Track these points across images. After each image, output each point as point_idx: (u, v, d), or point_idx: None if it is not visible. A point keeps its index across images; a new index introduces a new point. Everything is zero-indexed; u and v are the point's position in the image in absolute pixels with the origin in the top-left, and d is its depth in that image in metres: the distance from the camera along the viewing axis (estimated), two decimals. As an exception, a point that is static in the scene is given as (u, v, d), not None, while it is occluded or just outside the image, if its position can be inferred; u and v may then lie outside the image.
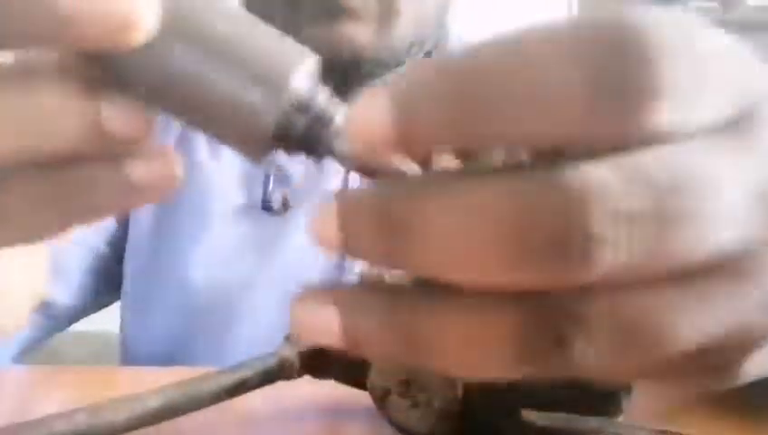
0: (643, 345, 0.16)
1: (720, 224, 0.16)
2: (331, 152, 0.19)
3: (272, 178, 0.59)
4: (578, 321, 0.15)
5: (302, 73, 0.19)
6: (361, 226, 0.16)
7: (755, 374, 0.22)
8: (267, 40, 0.19)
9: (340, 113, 0.19)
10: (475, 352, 0.16)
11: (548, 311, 0.15)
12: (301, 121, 0.19)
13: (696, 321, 0.17)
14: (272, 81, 0.18)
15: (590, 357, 0.16)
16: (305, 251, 0.61)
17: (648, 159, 0.15)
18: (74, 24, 0.17)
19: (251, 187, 0.60)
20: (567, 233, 0.14)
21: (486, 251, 0.15)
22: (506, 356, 0.16)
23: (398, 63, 0.61)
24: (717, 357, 0.19)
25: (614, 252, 0.14)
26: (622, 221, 0.14)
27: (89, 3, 0.17)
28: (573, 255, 0.14)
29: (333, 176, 0.59)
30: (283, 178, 0.59)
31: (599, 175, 0.14)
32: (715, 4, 2.77)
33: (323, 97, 0.19)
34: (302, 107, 0.19)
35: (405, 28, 0.59)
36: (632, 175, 0.15)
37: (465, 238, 0.15)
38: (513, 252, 0.14)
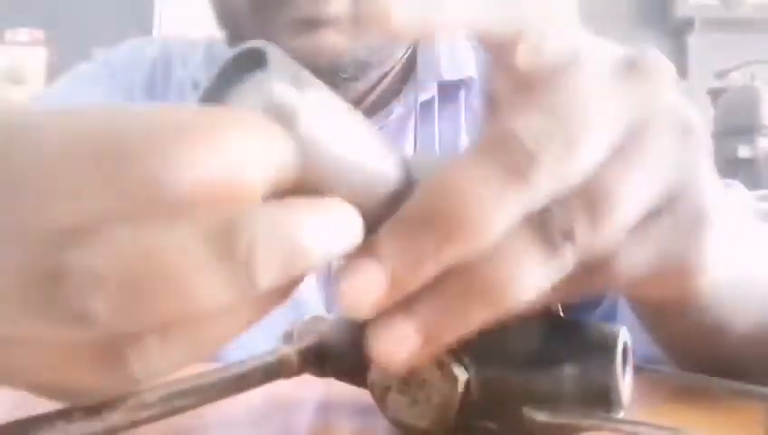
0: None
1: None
2: None
3: None
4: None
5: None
6: None
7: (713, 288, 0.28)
8: None
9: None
10: None
11: None
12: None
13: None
14: None
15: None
16: None
17: None
18: (182, 196, 0.16)
19: None
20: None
21: None
22: None
23: (380, 61, 0.61)
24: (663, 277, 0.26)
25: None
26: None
27: (196, 174, 0.16)
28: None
29: None
30: None
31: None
32: (715, 3, 2.77)
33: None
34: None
35: None
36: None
37: None
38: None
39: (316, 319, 0.35)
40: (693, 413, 0.36)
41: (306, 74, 0.20)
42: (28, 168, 0.16)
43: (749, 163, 2.01)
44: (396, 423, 0.29)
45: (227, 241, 0.16)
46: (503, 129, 0.21)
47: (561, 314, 0.29)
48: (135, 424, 0.25)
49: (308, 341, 0.34)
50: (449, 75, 0.67)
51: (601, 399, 0.27)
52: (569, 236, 0.21)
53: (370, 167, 0.21)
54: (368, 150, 0.21)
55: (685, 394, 0.37)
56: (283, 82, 0.18)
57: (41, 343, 0.18)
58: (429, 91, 0.66)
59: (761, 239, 0.39)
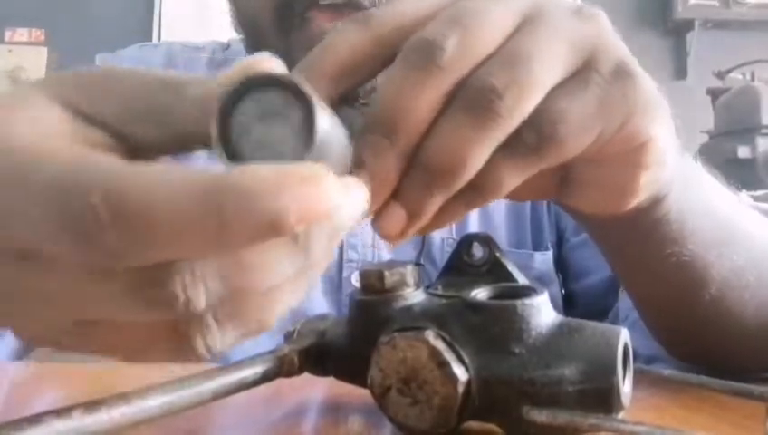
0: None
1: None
2: None
3: None
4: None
5: None
6: None
7: (650, 192, 0.32)
8: None
9: None
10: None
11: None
12: None
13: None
14: None
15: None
16: None
17: None
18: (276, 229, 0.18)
19: None
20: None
21: None
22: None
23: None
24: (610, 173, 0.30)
25: None
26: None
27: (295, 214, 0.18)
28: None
29: None
30: None
31: None
32: (715, 3, 2.77)
33: None
34: None
35: None
36: None
37: None
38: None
39: (316, 319, 0.35)
40: (693, 413, 0.36)
41: (314, 95, 0.21)
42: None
43: (749, 163, 2.01)
44: (396, 423, 0.29)
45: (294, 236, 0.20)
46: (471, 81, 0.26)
47: (564, 315, 0.29)
48: (135, 423, 0.25)
49: (308, 341, 0.33)
50: None
51: (602, 399, 0.27)
52: (494, 92, 0.25)
53: (348, 157, 0.25)
54: (347, 147, 0.25)
55: (685, 394, 0.37)
56: (299, 106, 0.20)
57: (130, 325, 0.22)
58: None
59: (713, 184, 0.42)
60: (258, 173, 0.18)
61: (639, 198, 0.31)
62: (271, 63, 0.23)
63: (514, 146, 0.26)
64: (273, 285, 0.21)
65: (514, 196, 0.31)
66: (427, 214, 0.27)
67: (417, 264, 0.60)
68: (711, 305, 0.40)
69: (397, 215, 0.27)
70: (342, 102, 0.27)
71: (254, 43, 0.60)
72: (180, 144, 0.24)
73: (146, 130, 0.23)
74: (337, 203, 0.19)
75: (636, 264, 0.40)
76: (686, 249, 0.37)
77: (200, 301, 0.20)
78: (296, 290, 0.23)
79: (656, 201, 0.34)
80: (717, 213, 0.40)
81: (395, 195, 0.27)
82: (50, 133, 0.22)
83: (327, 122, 0.21)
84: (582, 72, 0.27)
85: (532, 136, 0.26)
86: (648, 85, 0.29)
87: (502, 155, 0.26)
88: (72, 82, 0.24)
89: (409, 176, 0.26)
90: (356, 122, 0.26)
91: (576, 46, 0.27)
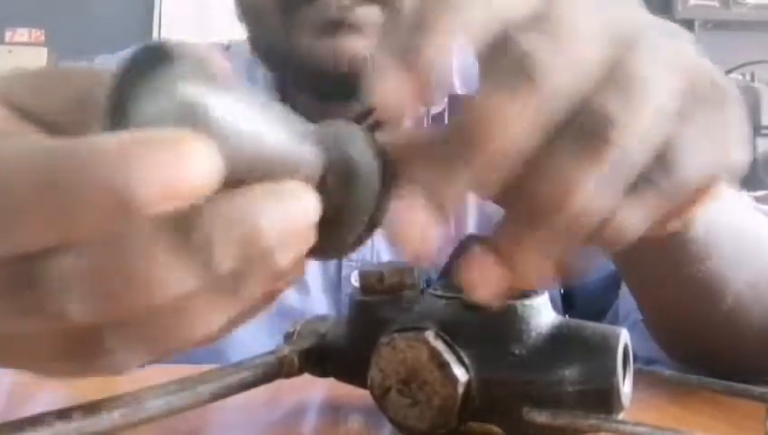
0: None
1: None
2: None
3: None
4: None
5: None
6: None
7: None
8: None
9: None
10: None
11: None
12: None
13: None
14: None
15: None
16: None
17: None
18: (137, 207, 0.16)
19: None
20: None
21: None
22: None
23: None
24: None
25: None
26: None
27: (150, 186, 0.16)
28: None
29: None
30: None
31: None
32: (715, 3, 2.77)
33: None
34: None
35: None
36: None
37: None
38: None
39: (316, 320, 0.35)
40: (693, 413, 0.35)
41: (216, 71, 0.19)
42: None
43: (749, 163, 2.01)
44: (396, 424, 0.29)
45: (186, 230, 0.18)
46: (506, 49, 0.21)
47: (563, 314, 0.29)
48: (135, 424, 0.25)
49: (308, 341, 0.33)
50: (461, 89, 0.68)
51: (602, 400, 0.27)
52: (609, 122, 0.21)
53: (286, 156, 0.21)
54: (282, 140, 0.21)
55: (685, 395, 0.37)
56: (192, 81, 0.18)
57: (28, 340, 0.20)
58: (440, 105, 0.67)
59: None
60: (103, 140, 0.16)
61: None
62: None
63: (638, 186, 0.23)
64: (171, 300, 0.18)
65: None
66: (528, 266, 0.23)
67: None
68: (726, 317, 0.39)
69: (490, 268, 0.23)
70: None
71: (257, 30, 0.60)
72: None
73: (83, 122, 0.22)
74: (207, 172, 0.17)
75: (653, 280, 0.40)
76: (704, 265, 0.36)
77: (74, 311, 0.18)
78: (218, 310, 0.20)
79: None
80: (736, 226, 0.40)
81: (484, 241, 0.23)
82: None
83: (221, 99, 0.18)
84: (691, 100, 0.24)
85: (666, 179, 0.23)
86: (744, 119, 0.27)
87: (624, 198, 0.22)
88: (18, 80, 0.23)
89: (505, 217, 0.23)
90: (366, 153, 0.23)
91: (682, 73, 0.24)
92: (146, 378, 0.27)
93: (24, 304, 0.18)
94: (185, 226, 0.18)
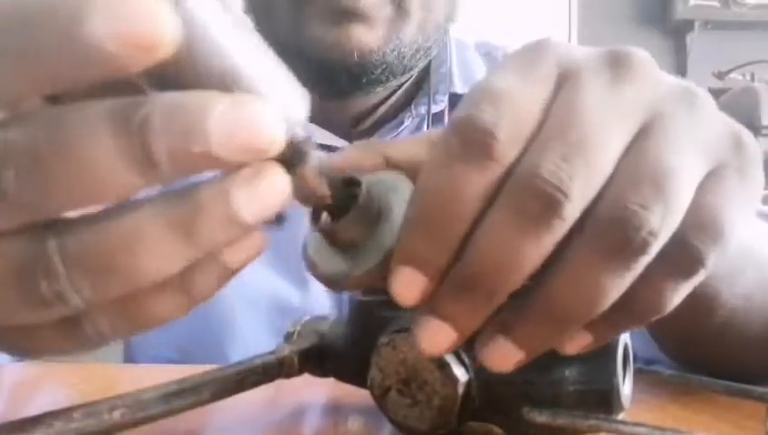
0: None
1: None
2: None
3: None
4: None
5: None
6: None
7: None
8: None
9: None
10: None
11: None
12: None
13: None
14: None
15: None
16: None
17: None
18: (99, 51, 0.16)
19: None
20: None
21: None
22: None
23: (405, 69, 0.61)
24: None
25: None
26: None
27: (109, 27, 0.16)
28: None
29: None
30: None
31: None
32: (715, 3, 2.77)
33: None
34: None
35: (413, 33, 0.59)
36: None
37: None
38: None
39: (316, 319, 0.35)
40: (693, 413, 0.36)
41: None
42: None
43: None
44: (396, 424, 0.29)
45: (125, 115, 0.17)
46: (523, 177, 0.21)
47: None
48: (135, 424, 0.25)
49: (308, 341, 0.33)
50: (461, 88, 0.68)
51: (602, 400, 0.27)
52: (643, 225, 0.21)
53: (250, 67, 0.20)
54: (250, 52, 0.20)
55: (685, 395, 0.37)
56: None
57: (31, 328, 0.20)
58: (441, 104, 0.67)
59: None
60: (182, 95, 0.17)
61: None
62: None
63: (672, 263, 0.22)
64: (160, 276, 0.19)
65: None
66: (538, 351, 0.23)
67: None
68: (720, 328, 0.39)
69: (507, 349, 0.23)
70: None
71: (265, 23, 0.60)
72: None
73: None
74: (277, 136, 0.17)
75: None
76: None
77: (73, 297, 0.18)
78: (192, 288, 0.20)
79: None
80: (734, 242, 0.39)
81: (502, 329, 0.23)
82: None
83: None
84: (722, 176, 0.24)
85: (710, 252, 0.22)
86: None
87: (599, 263, 0.21)
88: None
89: (534, 323, 0.22)
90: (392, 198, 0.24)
91: (705, 150, 0.24)
92: (146, 378, 0.27)
93: (34, 295, 0.19)
94: (127, 112, 0.17)
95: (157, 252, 0.19)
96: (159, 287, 0.20)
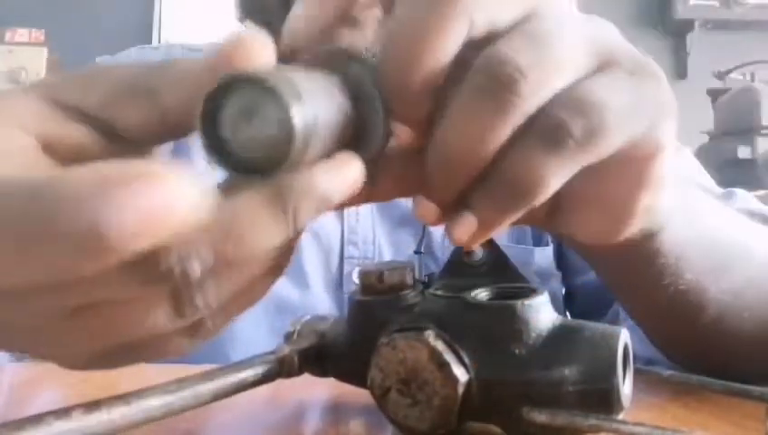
0: None
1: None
2: None
3: None
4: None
5: None
6: None
7: (643, 224, 0.30)
8: None
9: None
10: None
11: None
12: None
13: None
14: None
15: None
16: (305, 255, 0.61)
17: None
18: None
19: None
20: None
21: None
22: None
23: None
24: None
25: None
26: None
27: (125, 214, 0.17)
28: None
29: None
30: None
31: None
32: (715, 3, 2.77)
33: None
34: None
35: None
36: None
37: None
38: None
39: (316, 319, 0.35)
40: (693, 413, 0.36)
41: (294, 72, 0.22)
42: None
43: (749, 163, 2.01)
44: (396, 424, 0.29)
45: (282, 205, 0.21)
46: (490, 58, 0.24)
47: (565, 310, 0.29)
48: (135, 424, 0.25)
49: (308, 340, 0.33)
50: None
51: (602, 400, 0.27)
52: (510, 61, 0.24)
53: (343, 117, 0.24)
54: (338, 107, 0.24)
55: (685, 394, 0.37)
56: (293, 100, 0.21)
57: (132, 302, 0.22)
58: None
59: (702, 200, 0.41)
60: (82, 175, 0.17)
61: (634, 226, 0.29)
62: (254, 46, 0.22)
63: (557, 140, 0.24)
64: (263, 254, 0.22)
65: None
66: (500, 227, 0.26)
67: (417, 252, 0.60)
68: (710, 327, 0.40)
69: (469, 223, 0.26)
70: (348, 58, 0.26)
71: (259, 19, 0.60)
72: (168, 128, 0.24)
73: (129, 113, 0.23)
74: (186, 204, 0.17)
75: (631, 292, 0.40)
76: (683, 279, 0.36)
77: (195, 271, 0.20)
78: (284, 260, 0.24)
79: (649, 236, 0.33)
80: (716, 238, 0.40)
81: (467, 203, 0.26)
82: None
83: (310, 113, 0.21)
84: (609, 70, 0.26)
85: (578, 126, 0.24)
86: (670, 92, 0.27)
87: (543, 151, 0.24)
88: (61, 79, 0.25)
89: (485, 192, 0.25)
90: (366, 79, 0.25)
91: (597, 44, 0.26)
92: (146, 378, 0.27)
93: (147, 273, 0.20)
94: (283, 200, 0.21)
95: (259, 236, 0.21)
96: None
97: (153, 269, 0.20)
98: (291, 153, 0.21)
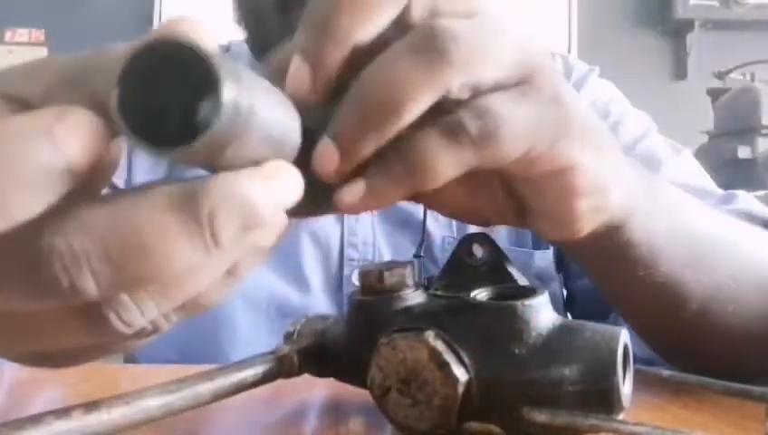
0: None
1: None
2: None
3: None
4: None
5: None
6: None
7: (598, 221, 0.31)
8: None
9: None
10: None
11: None
12: None
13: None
14: None
15: None
16: (305, 257, 0.61)
17: None
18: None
19: None
20: None
21: None
22: None
23: None
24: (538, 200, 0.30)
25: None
26: None
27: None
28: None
29: None
30: None
31: None
32: (715, 3, 2.77)
33: None
34: None
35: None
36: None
37: None
38: None
39: (316, 319, 0.35)
40: (693, 413, 0.36)
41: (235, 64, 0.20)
42: None
43: (749, 163, 2.01)
44: (396, 424, 0.29)
45: (193, 210, 0.19)
46: (427, 28, 0.25)
47: (565, 313, 0.29)
48: (135, 424, 0.25)
49: (308, 341, 0.33)
50: None
51: (602, 400, 0.27)
52: (450, 39, 0.25)
53: (287, 129, 0.23)
54: (283, 116, 0.23)
55: (685, 395, 0.37)
56: (230, 82, 0.19)
57: (39, 314, 0.21)
58: None
59: (680, 196, 0.42)
60: (232, 182, 0.19)
61: (585, 225, 0.31)
62: (186, 26, 0.21)
63: (455, 134, 0.26)
64: (176, 271, 0.20)
65: (480, 221, 0.33)
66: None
67: (417, 256, 0.60)
68: (693, 320, 0.40)
69: (358, 189, 0.26)
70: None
71: (256, 32, 0.60)
72: (106, 115, 0.23)
73: (67, 103, 0.22)
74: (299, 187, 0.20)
75: (611, 284, 0.40)
76: (659, 271, 0.37)
77: (88, 285, 0.19)
78: (205, 278, 0.22)
79: (613, 228, 0.33)
80: (694, 232, 0.40)
81: (363, 174, 0.26)
82: None
83: (245, 100, 0.19)
84: (524, 86, 0.28)
85: (475, 126, 0.26)
86: (583, 115, 0.30)
87: (441, 140, 0.26)
88: (7, 70, 0.25)
89: (381, 165, 0.26)
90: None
91: (524, 58, 0.28)
92: (146, 378, 0.27)
93: (36, 280, 0.19)
94: (194, 206, 0.19)
95: (171, 249, 0.19)
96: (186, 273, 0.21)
97: (41, 276, 0.19)
98: (211, 128, 0.18)
